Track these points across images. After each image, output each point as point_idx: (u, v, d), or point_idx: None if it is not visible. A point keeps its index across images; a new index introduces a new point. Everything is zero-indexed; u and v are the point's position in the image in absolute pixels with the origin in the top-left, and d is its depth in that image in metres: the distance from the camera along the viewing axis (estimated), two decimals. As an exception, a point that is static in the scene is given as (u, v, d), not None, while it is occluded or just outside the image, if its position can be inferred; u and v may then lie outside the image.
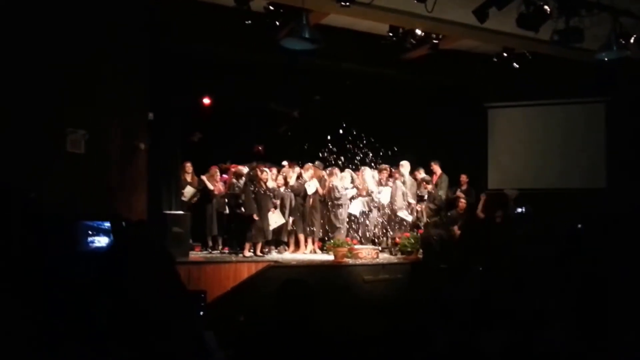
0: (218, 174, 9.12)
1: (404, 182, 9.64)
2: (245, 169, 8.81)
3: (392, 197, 9.34)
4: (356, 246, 8.64)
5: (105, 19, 6.83)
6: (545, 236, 8.02)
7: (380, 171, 9.68)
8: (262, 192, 8.45)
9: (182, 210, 8.24)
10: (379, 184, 9.57)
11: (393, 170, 9.80)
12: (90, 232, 6.03)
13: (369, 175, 9.51)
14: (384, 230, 9.53)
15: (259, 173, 8.57)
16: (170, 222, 7.60)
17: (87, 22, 6.73)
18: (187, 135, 9.35)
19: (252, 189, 8.34)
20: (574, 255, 7.22)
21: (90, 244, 6.02)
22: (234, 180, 8.76)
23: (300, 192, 9.15)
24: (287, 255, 8.79)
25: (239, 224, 8.51)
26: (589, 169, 10.05)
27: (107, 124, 7.04)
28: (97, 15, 6.76)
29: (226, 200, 8.82)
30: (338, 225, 8.95)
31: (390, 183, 9.53)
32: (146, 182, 7.53)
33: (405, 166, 9.85)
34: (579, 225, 8.24)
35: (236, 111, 9.88)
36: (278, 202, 8.80)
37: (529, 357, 4.03)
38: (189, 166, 8.83)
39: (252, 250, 8.45)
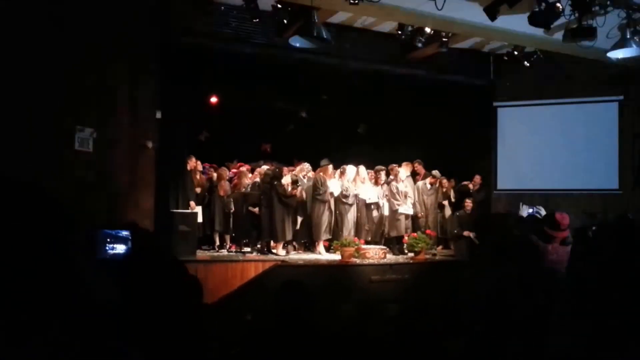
0: (227, 174, 9.11)
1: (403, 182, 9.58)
2: (265, 168, 8.83)
3: (390, 196, 9.28)
4: (363, 246, 8.58)
5: (114, 17, 6.81)
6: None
7: (377, 172, 9.62)
8: (284, 192, 8.45)
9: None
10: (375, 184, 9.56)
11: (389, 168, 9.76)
12: (108, 240, 6.21)
13: (364, 174, 9.41)
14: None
15: (283, 173, 8.61)
16: (178, 221, 7.60)
17: (95, 19, 6.71)
18: (194, 134, 9.34)
19: (278, 190, 8.33)
20: (585, 259, 7.11)
21: (109, 252, 6.25)
22: (257, 180, 8.75)
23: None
24: (294, 255, 8.76)
25: (258, 223, 8.51)
26: (601, 171, 9.88)
27: (115, 122, 7.03)
28: (107, 13, 6.74)
29: (242, 198, 8.79)
30: (345, 225, 8.90)
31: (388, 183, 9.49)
32: (154, 180, 7.53)
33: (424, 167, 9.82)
34: (593, 228, 8.10)
35: (243, 110, 9.85)
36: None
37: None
38: (199, 164, 8.84)
39: (258, 248, 8.47)
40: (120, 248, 6.65)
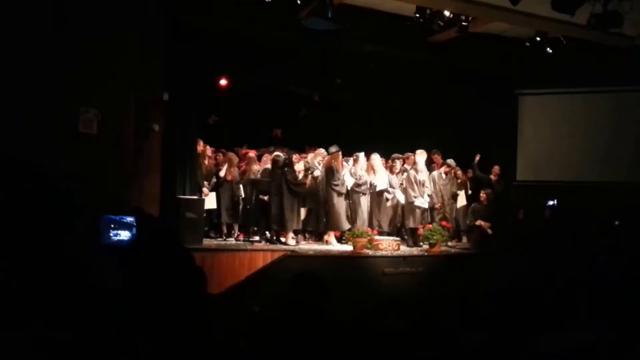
0: (236, 160, 8.85)
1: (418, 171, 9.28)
2: (279, 154, 8.59)
3: (408, 185, 9.01)
4: (377, 237, 8.31)
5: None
6: (579, 231, 7.64)
7: (392, 160, 9.35)
8: (294, 180, 8.22)
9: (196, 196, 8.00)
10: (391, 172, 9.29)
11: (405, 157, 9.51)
12: (112, 226, 6.09)
13: (378, 162, 9.10)
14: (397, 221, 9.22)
15: (294, 160, 8.43)
16: (184, 207, 7.37)
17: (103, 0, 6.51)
18: (202, 117, 9.09)
19: (288, 177, 8.10)
20: (609, 252, 6.84)
21: (112, 238, 6.12)
22: (268, 166, 8.52)
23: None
24: (304, 245, 8.51)
25: (268, 211, 8.27)
26: (625, 162, 9.56)
27: (121, 104, 6.85)
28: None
29: (250, 185, 8.54)
30: (358, 215, 8.62)
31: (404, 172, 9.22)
32: (160, 165, 7.32)
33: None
34: (616, 222, 7.83)
35: (254, 93, 9.59)
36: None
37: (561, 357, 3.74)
38: (207, 149, 8.59)
39: (266, 237, 8.24)
40: (124, 234, 6.49)
